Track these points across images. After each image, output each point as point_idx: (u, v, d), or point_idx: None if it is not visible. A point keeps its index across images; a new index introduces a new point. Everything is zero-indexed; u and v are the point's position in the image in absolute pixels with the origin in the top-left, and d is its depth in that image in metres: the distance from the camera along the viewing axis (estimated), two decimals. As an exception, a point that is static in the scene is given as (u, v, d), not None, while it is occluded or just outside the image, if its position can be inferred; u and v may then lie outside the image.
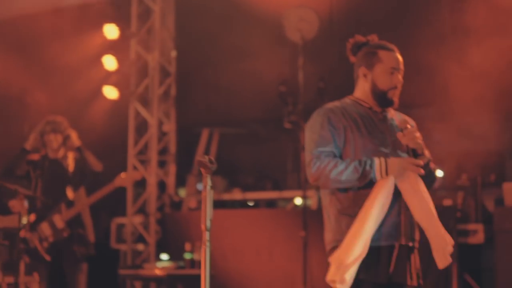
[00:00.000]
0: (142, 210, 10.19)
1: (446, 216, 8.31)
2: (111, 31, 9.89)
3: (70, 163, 7.48)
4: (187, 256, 8.59)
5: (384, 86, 4.27)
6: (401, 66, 4.31)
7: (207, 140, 10.43)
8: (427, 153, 4.28)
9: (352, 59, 4.46)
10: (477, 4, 7.90)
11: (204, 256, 3.38)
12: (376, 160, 4.07)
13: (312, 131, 4.24)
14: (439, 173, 9.27)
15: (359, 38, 4.44)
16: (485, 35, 8.04)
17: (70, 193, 7.38)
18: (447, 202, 8.38)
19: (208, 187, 3.48)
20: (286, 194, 9.74)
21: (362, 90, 4.38)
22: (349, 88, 4.48)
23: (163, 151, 10.30)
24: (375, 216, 3.99)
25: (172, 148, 10.33)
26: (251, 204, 10.13)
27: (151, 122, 10.18)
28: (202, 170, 3.36)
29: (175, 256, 8.99)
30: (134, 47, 10.22)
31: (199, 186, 10.97)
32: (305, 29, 8.72)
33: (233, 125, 10.30)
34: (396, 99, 4.28)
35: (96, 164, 7.59)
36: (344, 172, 4.04)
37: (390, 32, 8.64)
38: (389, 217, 4.07)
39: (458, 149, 9.97)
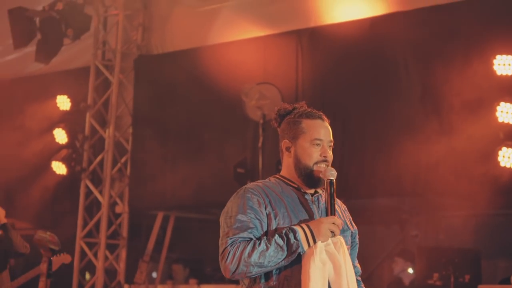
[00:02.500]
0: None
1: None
2: (63, 102, 9.25)
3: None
4: None
5: (309, 161, 3.56)
6: (330, 138, 3.62)
7: (162, 224, 9.62)
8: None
9: (279, 131, 3.75)
10: (451, 80, 7.30)
11: None
12: (299, 229, 3.39)
13: (229, 215, 3.50)
14: (410, 270, 8.55)
15: (285, 105, 3.74)
16: (458, 125, 7.42)
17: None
18: (417, 303, 7.64)
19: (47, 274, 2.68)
20: (244, 287, 8.88)
21: (287, 167, 3.67)
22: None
23: (114, 234, 9.49)
24: None
25: (124, 231, 9.53)
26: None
27: (102, 203, 9.41)
28: (42, 251, 2.56)
29: None
30: (89, 121, 9.55)
31: (154, 274, 10.14)
32: (266, 106, 8.06)
33: (190, 209, 9.52)
34: (325, 176, 3.52)
35: (22, 246, 6.78)
36: (265, 253, 3.33)
37: (358, 113, 8.17)
38: None
39: (431, 245, 9.26)
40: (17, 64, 10.30)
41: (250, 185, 3.60)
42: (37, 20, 9.10)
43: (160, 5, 9.88)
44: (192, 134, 9.12)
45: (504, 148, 6.94)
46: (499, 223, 8.81)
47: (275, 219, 3.46)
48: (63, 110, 9.35)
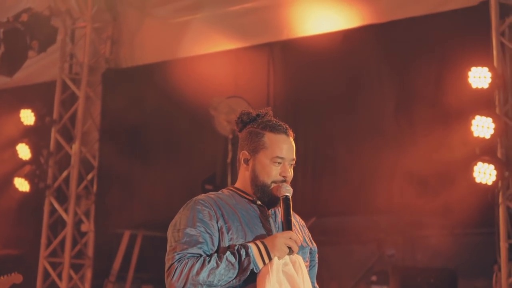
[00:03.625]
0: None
1: None
2: (27, 116, 8.93)
3: None
4: None
5: (266, 178, 3.29)
6: (292, 156, 3.35)
7: (130, 243, 9.29)
8: None
9: (239, 139, 3.49)
10: (425, 94, 7.08)
11: None
12: (252, 245, 3.13)
13: (176, 228, 3.24)
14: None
15: (248, 110, 3.47)
16: (432, 140, 7.20)
17: None
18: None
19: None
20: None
21: (243, 179, 3.41)
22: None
23: (79, 254, 9.14)
24: None
25: (90, 251, 9.18)
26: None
27: (67, 221, 9.07)
28: None
29: None
30: (54, 136, 9.22)
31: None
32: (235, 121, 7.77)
33: (158, 228, 9.19)
34: (280, 194, 3.27)
35: None
36: (215, 271, 3.06)
37: (331, 128, 7.94)
38: None
39: (407, 265, 9.00)
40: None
41: (200, 196, 3.34)
42: (1, 31, 8.78)
43: (129, 18, 9.61)
44: (160, 149, 8.84)
45: (479, 164, 6.70)
46: (476, 241, 8.56)
47: (227, 233, 3.19)
48: (26, 125, 9.02)
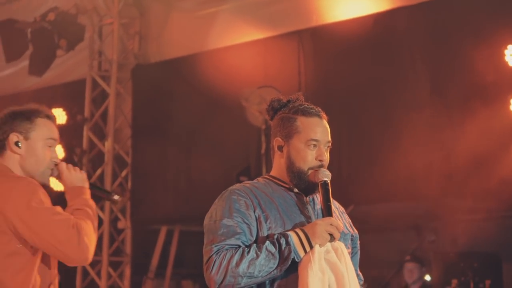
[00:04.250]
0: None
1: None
2: (59, 115, 8.92)
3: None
4: None
5: (303, 164, 3.18)
6: (328, 138, 3.24)
7: (167, 238, 9.27)
8: None
9: (272, 126, 3.39)
10: (460, 75, 6.91)
11: None
12: (292, 233, 3.03)
13: (213, 220, 3.15)
14: (427, 277, 8.15)
15: (279, 97, 3.38)
16: (470, 122, 7.01)
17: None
18: (436, 311, 7.23)
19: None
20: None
21: (278, 167, 3.31)
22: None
23: (117, 251, 9.13)
24: None
25: (128, 248, 9.17)
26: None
27: (104, 219, 9.05)
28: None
29: None
30: (86, 134, 9.21)
31: (161, 291, 9.77)
32: (268, 111, 7.67)
33: (195, 222, 9.15)
34: (317, 179, 3.16)
35: None
36: (255, 262, 2.97)
37: (365, 114, 7.79)
38: None
39: (449, 250, 8.83)
40: (14, 79, 10.01)
41: (236, 186, 3.25)
42: (29, 31, 8.79)
43: (156, 12, 9.56)
44: (193, 143, 8.78)
45: (520, 144, 6.53)
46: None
47: (265, 222, 3.10)
48: (58, 124, 8.95)
